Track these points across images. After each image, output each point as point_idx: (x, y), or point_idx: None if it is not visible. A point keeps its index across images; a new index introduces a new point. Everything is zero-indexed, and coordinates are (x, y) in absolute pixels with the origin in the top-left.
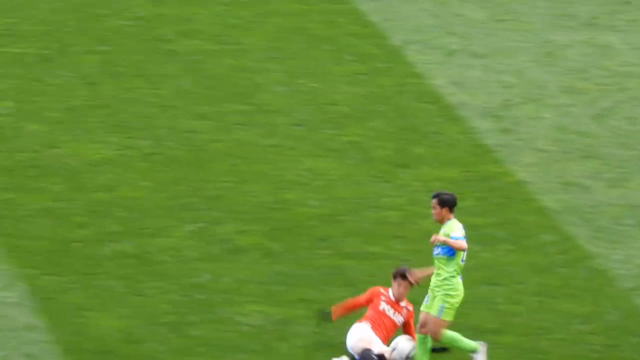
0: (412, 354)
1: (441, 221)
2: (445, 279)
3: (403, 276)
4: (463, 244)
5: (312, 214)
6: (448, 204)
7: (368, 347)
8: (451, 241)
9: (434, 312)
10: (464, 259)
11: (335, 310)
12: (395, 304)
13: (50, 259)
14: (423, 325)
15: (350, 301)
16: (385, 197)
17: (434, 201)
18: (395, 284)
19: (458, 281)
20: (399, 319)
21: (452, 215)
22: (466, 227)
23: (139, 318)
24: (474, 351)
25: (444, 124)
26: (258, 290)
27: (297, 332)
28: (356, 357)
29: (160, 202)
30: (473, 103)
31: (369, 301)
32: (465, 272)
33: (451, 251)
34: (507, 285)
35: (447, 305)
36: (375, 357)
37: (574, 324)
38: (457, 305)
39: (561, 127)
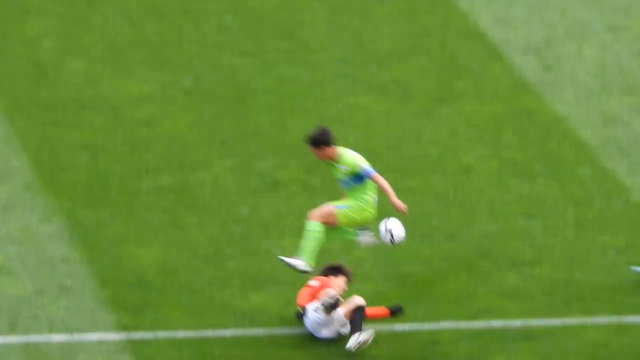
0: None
1: (331, 159)
2: (362, 200)
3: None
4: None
5: (352, 149)
6: (324, 141)
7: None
8: (390, 194)
9: (336, 202)
10: None
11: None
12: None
13: (89, 192)
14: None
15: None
16: (426, 132)
17: (313, 149)
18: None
19: (373, 203)
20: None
21: (336, 148)
22: (506, 161)
23: (177, 251)
24: (300, 261)
25: (486, 61)
26: (295, 223)
27: None
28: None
29: (201, 137)
30: (516, 40)
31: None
32: (504, 205)
33: (361, 179)
34: (544, 218)
35: (351, 209)
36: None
37: (610, 255)
38: (359, 220)
39: (602, 64)
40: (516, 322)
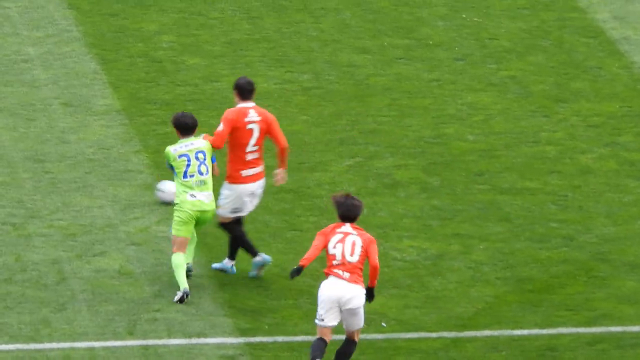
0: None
1: None
2: (177, 194)
3: None
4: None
5: (470, 148)
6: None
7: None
8: None
9: None
10: (192, 174)
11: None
12: None
13: None
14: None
15: None
16: (543, 131)
17: None
18: None
19: (185, 198)
20: None
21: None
22: (624, 162)
23: (295, 253)
24: (179, 289)
25: (604, 59)
26: (414, 224)
27: (451, 267)
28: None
29: (319, 137)
30: (635, 38)
31: None
32: (622, 208)
33: (170, 166)
34: None
35: (175, 219)
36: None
37: None
38: (184, 221)
39: None
40: (635, 328)
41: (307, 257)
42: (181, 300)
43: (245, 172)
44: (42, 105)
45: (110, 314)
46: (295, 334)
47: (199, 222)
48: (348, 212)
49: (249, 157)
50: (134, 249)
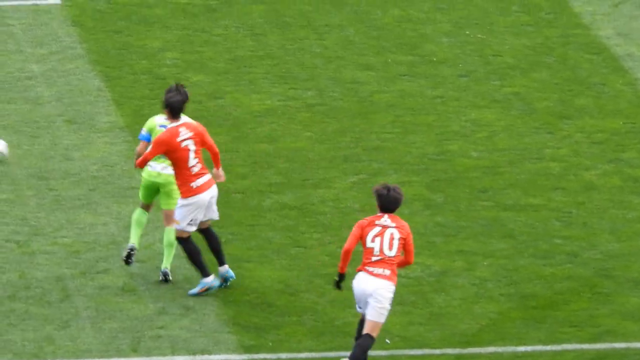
0: None
1: None
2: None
3: None
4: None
5: (474, 165)
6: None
7: None
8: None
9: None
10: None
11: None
12: None
13: None
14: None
15: None
16: (547, 148)
17: None
18: None
19: (146, 167)
20: None
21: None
22: (628, 178)
23: (298, 270)
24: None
25: (608, 75)
26: (417, 241)
27: (455, 283)
28: None
29: (323, 153)
30: (639, 54)
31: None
32: (626, 224)
33: (147, 137)
34: None
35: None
36: None
37: None
38: (142, 186)
39: None
40: (639, 344)
41: (342, 265)
42: (128, 256)
43: (195, 183)
44: (46, 123)
45: (114, 331)
46: (299, 351)
47: (156, 188)
48: (388, 204)
49: (194, 170)
50: (137, 266)
